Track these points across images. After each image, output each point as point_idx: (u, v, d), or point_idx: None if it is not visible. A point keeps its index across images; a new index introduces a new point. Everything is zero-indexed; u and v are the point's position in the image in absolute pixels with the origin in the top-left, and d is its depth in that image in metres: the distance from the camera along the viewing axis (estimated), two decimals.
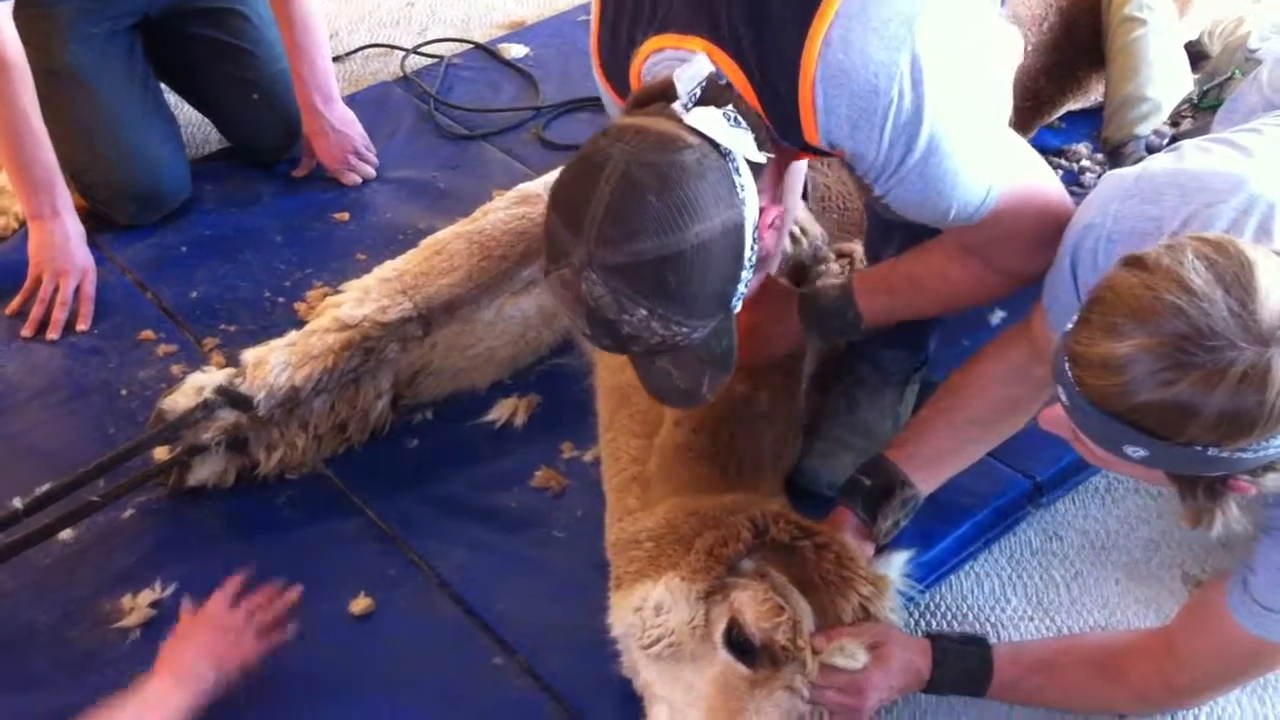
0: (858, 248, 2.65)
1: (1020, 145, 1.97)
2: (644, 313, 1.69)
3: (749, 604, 1.92)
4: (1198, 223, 1.68)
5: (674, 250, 1.65)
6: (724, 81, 1.78)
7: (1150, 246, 1.63)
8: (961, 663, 2.00)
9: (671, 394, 1.86)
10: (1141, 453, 1.54)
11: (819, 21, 1.72)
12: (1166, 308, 1.46)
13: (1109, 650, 2.05)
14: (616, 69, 1.98)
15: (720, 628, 1.95)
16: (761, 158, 1.76)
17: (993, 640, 2.10)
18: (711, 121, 1.71)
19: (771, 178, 1.86)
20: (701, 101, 1.74)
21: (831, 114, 1.77)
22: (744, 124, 1.75)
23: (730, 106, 1.75)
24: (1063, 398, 1.60)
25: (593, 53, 2.02)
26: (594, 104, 3.49)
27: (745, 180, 1.72)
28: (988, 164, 1.85)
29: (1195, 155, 1.78)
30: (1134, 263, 1.53)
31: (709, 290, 1.71)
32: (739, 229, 1.71)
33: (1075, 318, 1.58)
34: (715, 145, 1.70)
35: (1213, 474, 1.56)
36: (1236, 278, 1.46)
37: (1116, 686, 2.01)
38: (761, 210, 1.77)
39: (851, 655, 1.93)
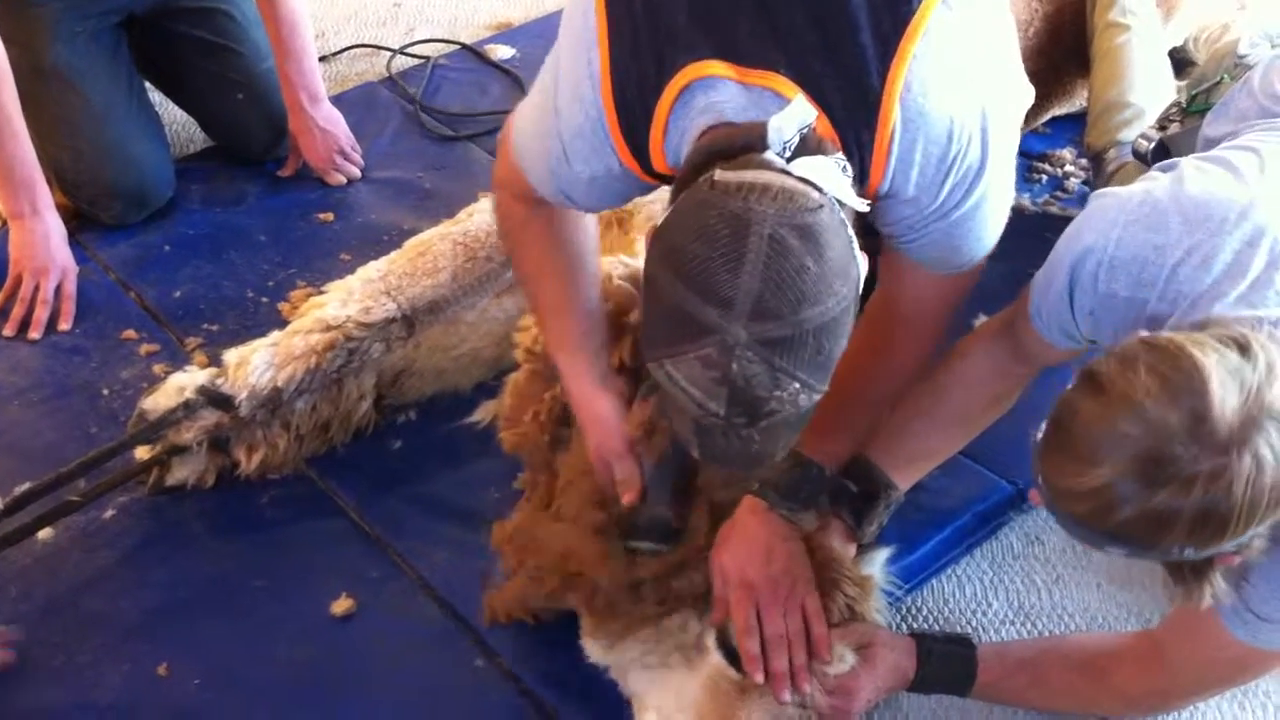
0: None
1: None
2: (796, 386, 1.52)
3: None
4: (1199, 255, 1.68)
5: (830, 317, 1.51)
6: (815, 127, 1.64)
7: (1149, 278, 1.70)
8: (946, 662, 2.01)
9: (739, 462, 1.63)
10: (1122, 552, 1.59)
11: (899, 63, 1.63)
12: (1123, 437, 1.50)
13: (1094, 652, 2.06)
14: (633, 97, 1.74)
15: (710, 632, 1.95)
16: (864, 206, 1.62)
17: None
18: (827, 174, 1.55)
19: None
20: (799, 150, 1.57)
21: (903, 159, 1.68)
22: (848, 168, 1.61)
23: (837, 155, 1.61)
24: (1042, 499, 1.64)
25: (602, 77, 1.73)
26: None
27: (852, 232, 1.58)
28: (1006, 211, 1.85)
29: (1195, 178, 1.77)
30: (1090, 382, 1.56)
31: (841, 350, 1.58)
32: (859, 282, 1.58)
33: (1043, 431, 1.61)
34: (831, 197, 1.56)
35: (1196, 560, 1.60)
36: (1189, 391, 1.47)
37: (1100, 688, 2.01)
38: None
39: (839, 657, 1.93)
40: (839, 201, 1.55)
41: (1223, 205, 1.70)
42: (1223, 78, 2.66)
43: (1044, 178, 3.24)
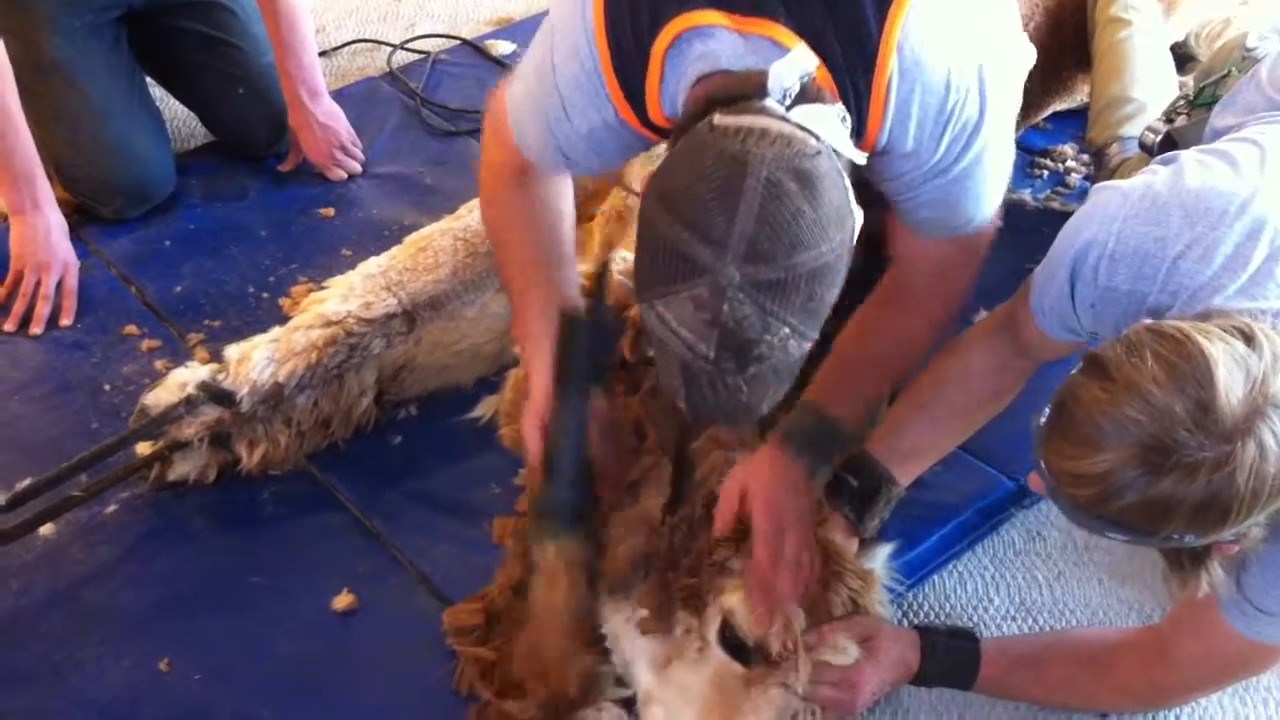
0: None
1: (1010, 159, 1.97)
2: (786, 331, 1.53)
3: (741, 605, 1.93)
4: (1200, 248, 1.68)
5: (823, 262, 1.52)
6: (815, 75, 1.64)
7: (1149, 271, 1.70)
8: (950, 656, 2.01)
9: (726, 413, 1.63)
10: (1123, 538, 1.59)
11: (896, 12, 1.65)
12: (1129, 421, 1.50)
13: (1097, 647, 2.07)
14: (629, 45, 1.76)
15: (713, 628, 1.95)
16: (861, 158, 1.63)
17: None
18: (827, 123, 1.57)
19: None
20: (799, 98, 1.58)
21: (900, 109, 1.70)
22: (847, 118, 1.62)
23: (837, 106, 1.63)
24: (1044, 485, 1.65)
25: (596, 25, 1.77)
26: None
27: (848, 181, 1.59)
28: (1004, 179, 1.86)
29: (1196, 171, 1.77)
30: (1096, 367, 1.57)
31: (833, 299, 1.59)
32: (854, 233, 1.60)
33: (1046, 415, 1.62)
34: (829, 145, 1.57)
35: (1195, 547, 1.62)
36: (1196, 380, 1.48)
37: (1103, 683, 2.02)
38: None
39: (843, 650, 1.93)
40: (836, 152, 1.57)
41: (1223, 198, 1.71)
42: (1231, 70, 2.66)
43: (1045, 173, 3.24)
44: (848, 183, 1.58)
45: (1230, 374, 1.48)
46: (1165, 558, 1.70)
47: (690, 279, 1.51)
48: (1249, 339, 1.51)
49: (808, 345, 1.58)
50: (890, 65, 1.66)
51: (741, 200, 1.48)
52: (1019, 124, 3.08)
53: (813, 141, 1.53)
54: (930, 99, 1.70)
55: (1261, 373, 1.48)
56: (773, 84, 1.56)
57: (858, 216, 1.60)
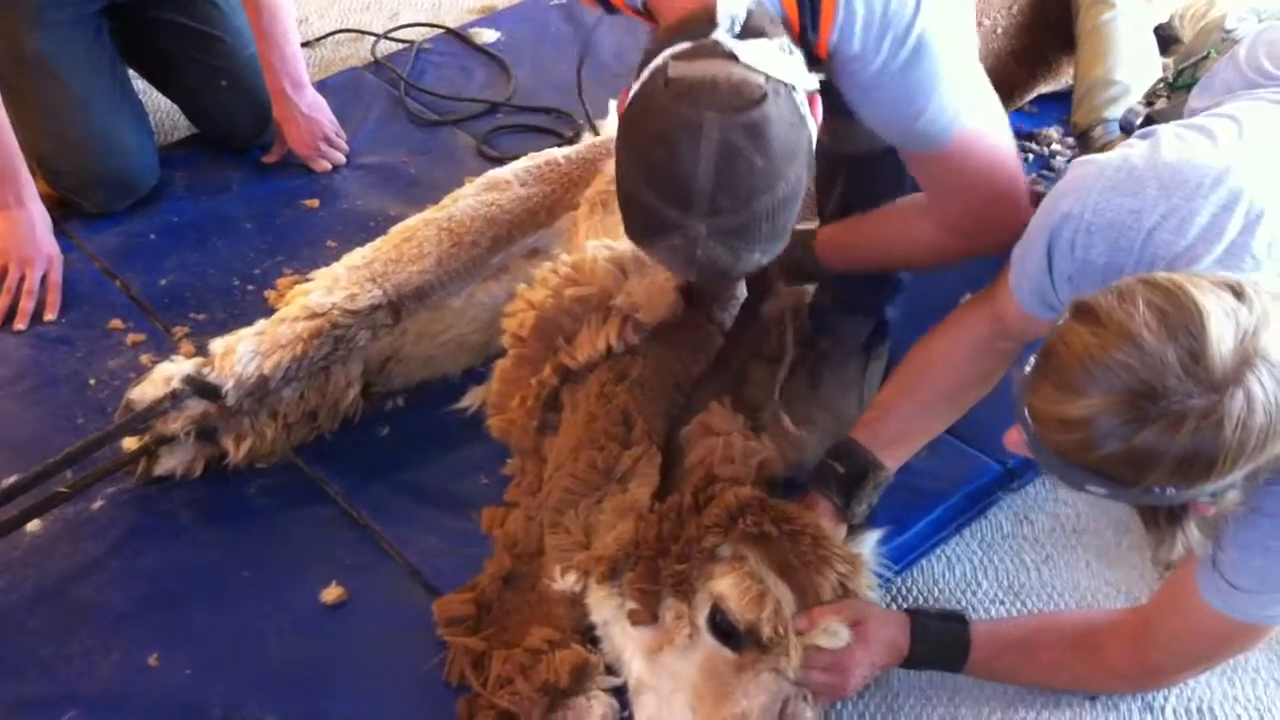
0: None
1: (994, 102, 2.02)
2: (756, 255, 1.77)
3: (731, 591, 1.93)
4: (1176, 219, 1.69)
5: (781, 197, 1.72)
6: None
7: (1125, 243, 1.69)
8: (940, 639, 2.02)
9: (713, 273, 1.82)
10: (1103, 491, 1.58)
11: None
12: (1118, 366, 1.49)
13: (1086, 629, 2.07)
14: None
15: (703, 614, 1.96)
16: (814, 82, 1.78)
17: None
18: (771, 60, 1.70)
19: None
20: (746, 29, 1.71)
21: (848, 12, 1.80)
22: (793, 50, 1.76)
23: (783, 39, 1.74)
24: (1024, 437, 1.64)
25: None
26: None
27: (801, 96, 1.74)
28: (963, 88, 1.92)
29: (1173, 144, 1.78)
30: (1085, 313, 1.56)
31: (795, 213, 1.79)
32: (811, 145, 1.77)
33: (1031, 364, 1.61)
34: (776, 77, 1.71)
35: (1174, 503, 1.61)
36: (1187, 329, 1.48)
37: (1092, 665, 2.03)
38: (810, 103, 1.79)
39: (834, 634, 1.94)
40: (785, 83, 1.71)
41: (1199, 170, 1.71)
42: (1209, 52, 2.66)
43: (1030, 156, 3.23)
44: (797, 99, 1.73)
45: (1221, 325, 1.47)
46: (1141, 516, 1.69)
47: (665, 234, 1.74)
48: (1239, 294, 1.51)
49: (779, 250, 1.81)
50: None
51: (698, 163, 1.66)
52: (1003, 107, 3.11)
53: (759, 83, 1.67)
54: (873, 3, 1.81)
55: (1252, 326, 1.48)
56: (720, 14, 1.70)
57: (813, 126, 1.77)
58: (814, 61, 1.84)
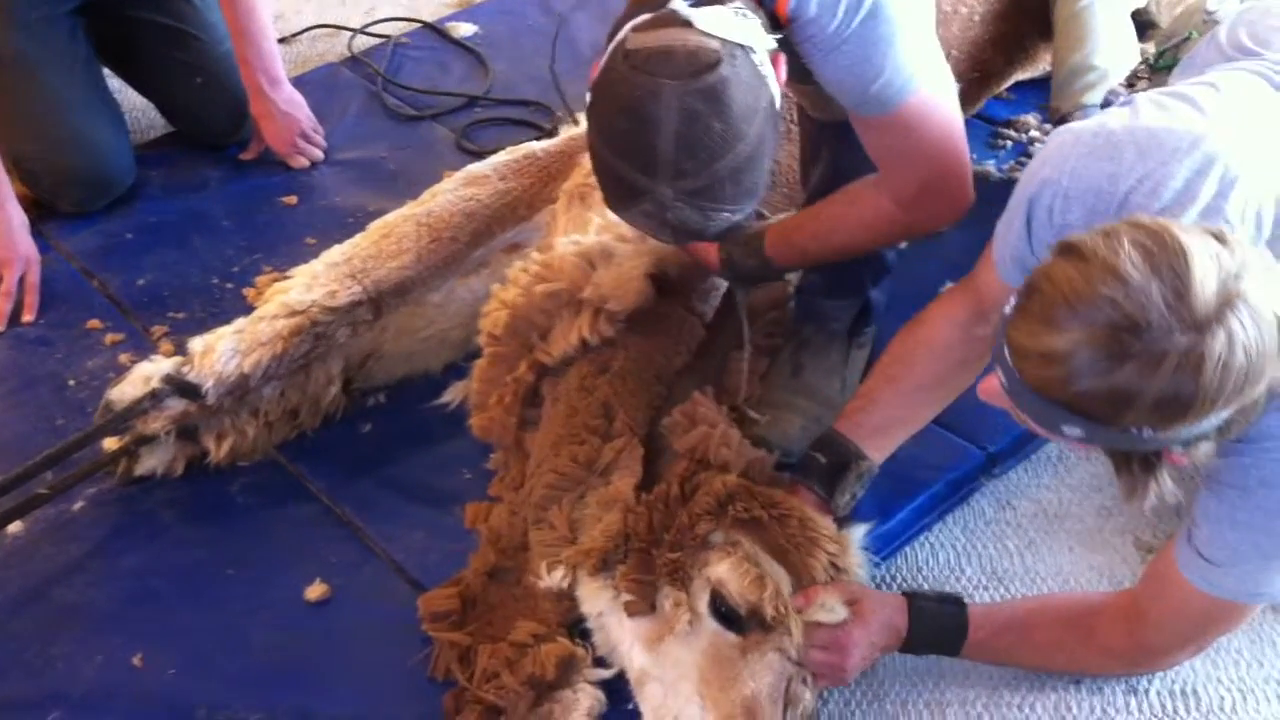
0: None
1: (947, 74, 2.07)
2: (726, 214, 1.86)
3: (730, 575, 1.94)
4: (1151, 182, 1.69)
5: (744, 156, 1.80)
6: None
7: (1103, 207, 1.69)
8: (938, 621, 2.03)
9: (687, 234, 1.93)
10: (1078, 432, 1.57)
11: None
12: (1102, 300, 1.49)
13: (1080, 610, 2.08)
14: None
15: (703, 600, 1.96)
16: (773, 43, 1.84)
17: None
18: (725, 24, 1.78)
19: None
20: None
21: None
22: (748, 11, 1.83)
23: (738, 2, 1.82)
24: (1002, 379, 1.63)
25: None
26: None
27: (762, 57, 1.82)
28: (917, 55, 1.96)
29: (1151, 111, 1.79)
30: (1070, 251, 1.55)
31: (766, 170, 1.88)
32: (773, 103, 1.84)
33: (1013, 302, 1.60)
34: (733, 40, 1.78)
35: (1147, 450, 1.60)
36: (1171, 268, 1.48)
37: (1086, 645, 2.03)
38: (774, 63, 1.85)
39: (831, 609, 1.95)
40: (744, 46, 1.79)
41: (1175, 135, 1.72)
42: (1190, 34, 2.67)
43: (1009, 144, 3.24)
44: (755, 59, 1.80)
45: (1205, 265, 1.47)
46: (1114, 462, 1.67)
47: (635, 198, 1.85)
48: (1221, 240, 1.51)
49: (752, 208, 1.90)
50: None
51: (659, 131, 1.76)
52: (981, 94, 3.12)
53: (714, 48, 1.76)
54: None
55: (1234, 269, 1.48)
56: None
57: (774, 91, 1.84)
58: (776, 26, 1.89)
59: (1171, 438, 1.54)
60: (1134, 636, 1.99)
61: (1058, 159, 1.80)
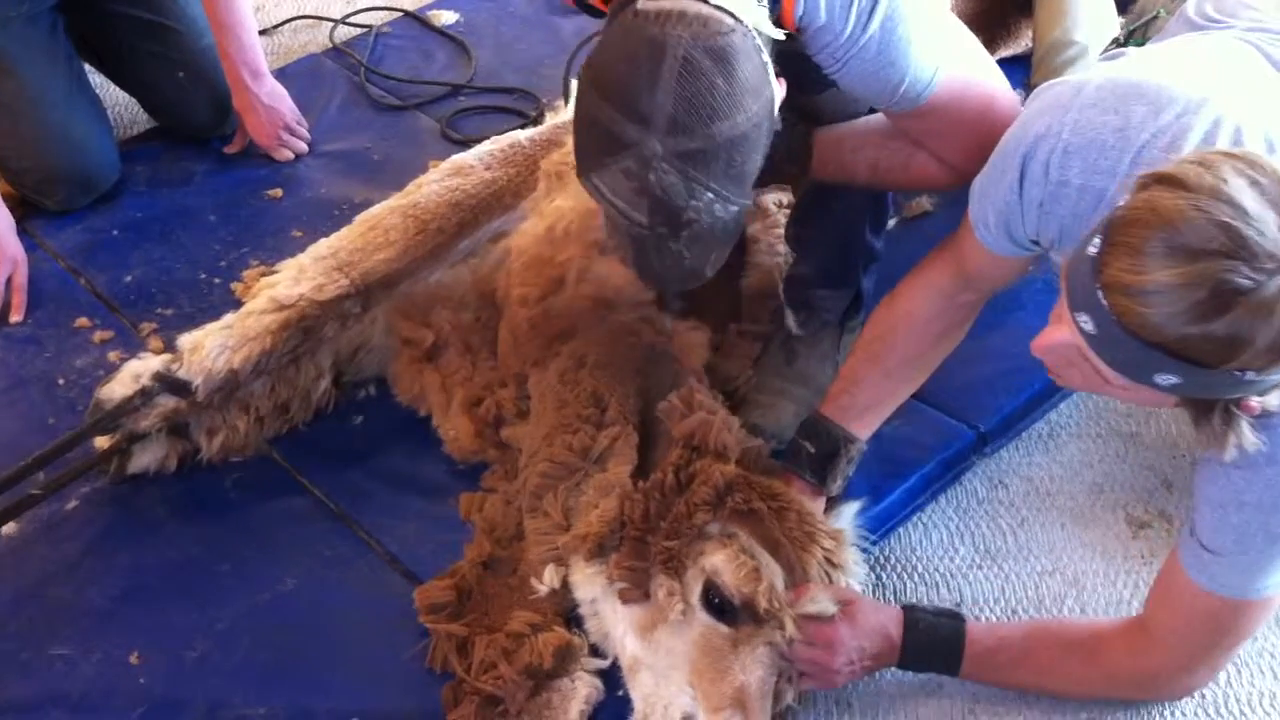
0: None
1: (970, 42, 2.03)
2: (710, 195, 1.72)
3: (725, 566, 1.95)
4: (1168, 136, 1.67)
5: (741, 131, 1.70)
6: None
7: (1106, 163, 1.67)
8: (934, 632, 1.99)
9: (674, 277, 1.87)
10: (1173, 380, 1.49)
11: None
12: (1219, 228, 1.40)
13: (1084, 633, 2.05)
14: None
15: (696, 591, 1.96)
16: (780, 34, 1.79)
17: (944, 591, 2.11)
18: (741, 3, 1.72)
19: None
20: None
21: None
22: (763, 4, 1.77)
23: None
24: (1087, 326, 1.53)
25: None
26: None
27: (767, 57, 1.76)
28: (938, 43, 1.92)
29: (1149, 63, 1.77)
30: (1169, 181, 1.47)
31: (756, 166, 1.77)
32: (773, 104, 1.77)
33: (1100, 241, 1.51)
34: (745, 24, 1.72)
35: (1234, 396, 1.53)
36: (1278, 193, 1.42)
37: (1090, 668, 1.99)
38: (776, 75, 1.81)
39: (819, 603, 1.95)
40: (758, 31, 1.73)
41: (1184, 89, 1.70)
42: (1159, 12, 2.68)
43: None
44: (766, 58, 1.74)
45: None
46: (1195, 413, 1.59)
47: (619, 152, 1.71)
48: None
49: (735, 209, 1.77)
50: None
51: (660, 78, 1.66)
52: None
53: (728, 20, 1.69)
54: None
55: None
56: None
57: (777, 90, 1.77)
58: (785, 36, 1.83)
59: (1271, 380, 1.47)
60: (1140, 659, 1.94)
61: (1056, 110, 1.76)
